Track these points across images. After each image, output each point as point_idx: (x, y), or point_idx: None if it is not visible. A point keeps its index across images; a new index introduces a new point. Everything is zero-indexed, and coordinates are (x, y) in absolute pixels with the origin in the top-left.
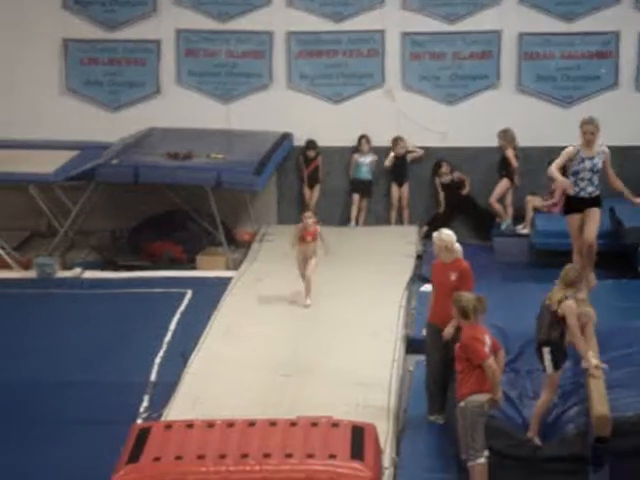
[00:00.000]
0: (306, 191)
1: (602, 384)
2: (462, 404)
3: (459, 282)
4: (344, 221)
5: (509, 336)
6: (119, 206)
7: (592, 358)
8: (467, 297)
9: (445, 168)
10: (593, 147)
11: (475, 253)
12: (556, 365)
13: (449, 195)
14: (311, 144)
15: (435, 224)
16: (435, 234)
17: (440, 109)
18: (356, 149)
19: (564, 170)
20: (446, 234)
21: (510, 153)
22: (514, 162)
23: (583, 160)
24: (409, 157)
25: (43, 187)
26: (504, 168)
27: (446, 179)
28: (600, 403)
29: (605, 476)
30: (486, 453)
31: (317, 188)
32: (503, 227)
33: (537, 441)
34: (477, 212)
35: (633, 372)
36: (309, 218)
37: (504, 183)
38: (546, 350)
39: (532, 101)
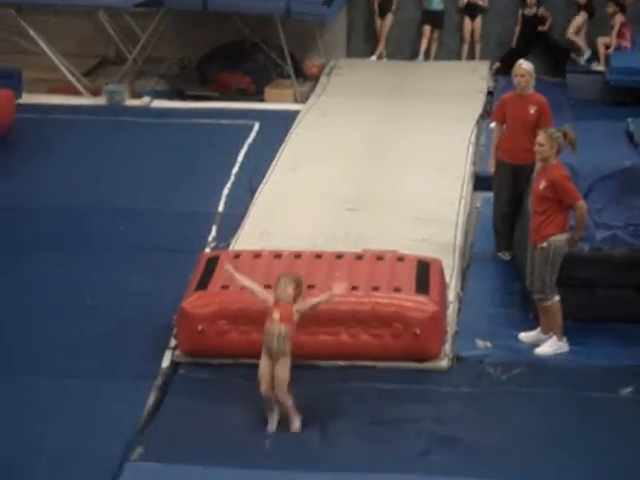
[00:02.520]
0: (377, 21)
1: None
2: (545, 244)
3: (538, 116)
4: (414, 55)
5: (579, 174)
6: (188, 35)
7: None
8: (558, 133)
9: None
10: None
11: (547, 90)
12: None
13: (527, 29)
14: None
15: (508, 60)
16: (518, 67)
17: None
18: None
19: None
20: (530, 64)
21: None
22: None
23: None
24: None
25: (112, 13)
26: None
27: (530, 12)
28: None
29: None
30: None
31: (389, 17)
32: (585, 57)
33: None
34: (553, 49)
35: None
36: (288, 286)
37: (582, 16)
38: None
39: None
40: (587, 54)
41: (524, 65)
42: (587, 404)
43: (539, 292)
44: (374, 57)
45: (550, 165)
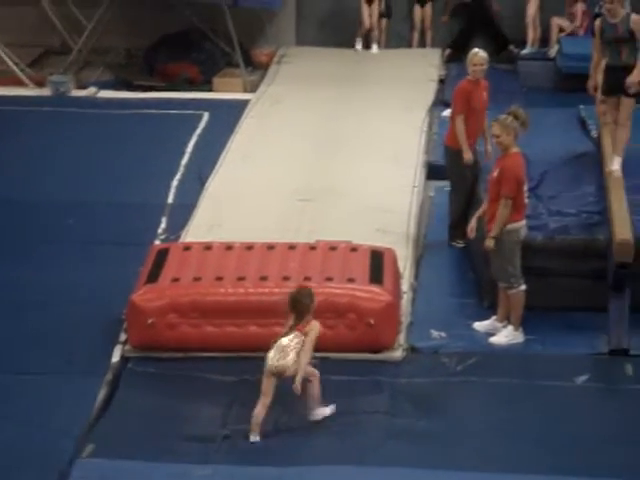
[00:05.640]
0: (364, 8)
1: (626, 208)
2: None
3: (487, 99)
4: (365, 43)
5: (532, 162)
6: (134, 24)
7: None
8: (509, 117)
9: None
10: None
11: (499, 77)
12: None
13: (472, 17)
14: None
15: (458, 44)
16: (475, 56)
17: None
18: None
19: None
20: (485, 53)
21: None
22: None
23: None
24: None
25: (56, 2)
26: None
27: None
28: (622, 228)
29: (625, 299)
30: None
31: (376, 4)
32: (525, 52)
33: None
34: (496, 37)
35: None
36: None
37: (534, 1)
38: None
39: None
40: (528, 50)
41: (481, 54)
42: (543, 393)
43: (504, 281)
44: (375, 46)
45: (509, 153)
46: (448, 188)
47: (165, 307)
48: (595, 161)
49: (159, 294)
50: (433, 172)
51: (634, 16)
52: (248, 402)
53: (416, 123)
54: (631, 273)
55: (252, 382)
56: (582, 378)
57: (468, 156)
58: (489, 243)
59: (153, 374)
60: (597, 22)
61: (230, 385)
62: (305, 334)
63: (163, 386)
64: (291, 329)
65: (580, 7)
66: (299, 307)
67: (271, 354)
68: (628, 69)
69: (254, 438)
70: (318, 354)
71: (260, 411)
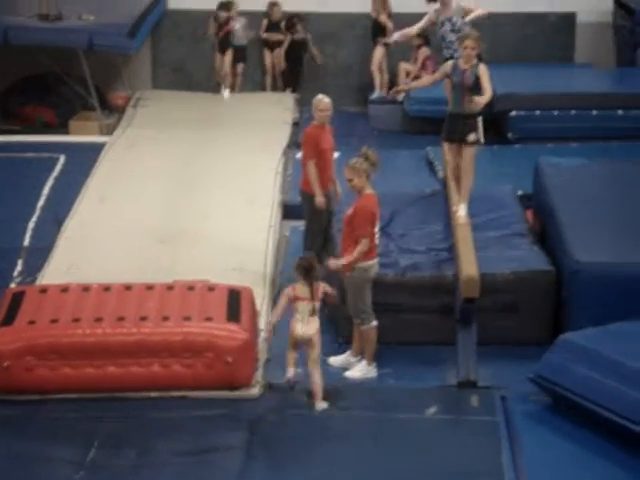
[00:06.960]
0: (217, 56)
1: (471, 245)
2: (348, 274)
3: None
4: (219, 87)
5: (382, 202)
6: None
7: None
8: (359, 160)
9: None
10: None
11: (351, 120)
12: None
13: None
14: (225, 5)
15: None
16: (321, 102)
17: None
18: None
19: None
20: (328, 98)
21: (384, 18)
22: (389, 25)
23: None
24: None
25: None
26: (379, 34)
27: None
28: (469, 265)
29: (472, 333)
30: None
31: (230, 53)
32: (374, 96)
33: None
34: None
35: (500, 235)
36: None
37: (380, 49)
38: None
39: None
40: (376, 94)
41: (326, 99)
42: (395, 426)
43: (355, 317)
44: (227, 92)
45: (363, 194)
46: (303, 228)
47: (21, 350)
48: (442, 200)
49: (15, 337)
50: (288, 212)
51: (482, 64)
52: (106, 443)
53: (272, 164)
54: (477, 308)
55: (111, 422)
56: (432, 410)
57: (320, 200)
58: (345, 271)
59: (9, 417)
60: (447, 65)
61: (89, 426)
62: (317, 300)
63: (20, 429)
64: (310, 301)
65: (423, 52)
66: (313, 273)
67: (299, 326)
68: (469, 117)
69: (320, 406)
70: (176, 393)
71: (317, 379)
